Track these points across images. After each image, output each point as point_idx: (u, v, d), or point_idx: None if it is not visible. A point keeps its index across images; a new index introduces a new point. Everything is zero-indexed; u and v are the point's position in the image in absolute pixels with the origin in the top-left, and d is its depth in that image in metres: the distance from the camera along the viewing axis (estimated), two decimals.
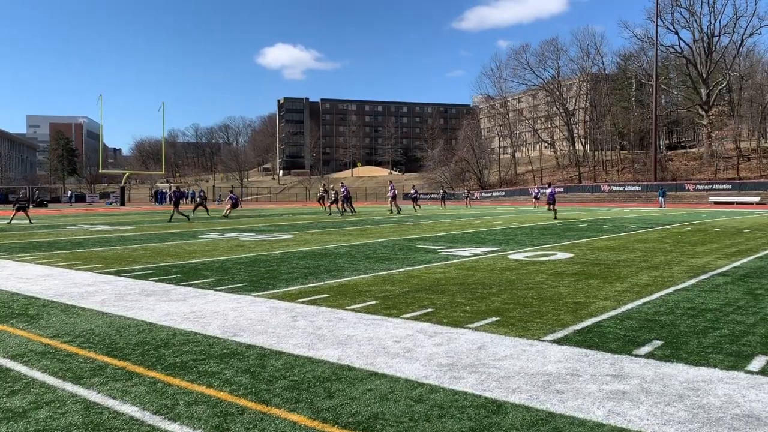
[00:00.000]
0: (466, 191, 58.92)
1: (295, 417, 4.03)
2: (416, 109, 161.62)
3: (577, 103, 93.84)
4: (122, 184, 69.07)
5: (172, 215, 29.38)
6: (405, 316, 7.04)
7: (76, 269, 11.34)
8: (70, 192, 79.01)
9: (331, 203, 35.69)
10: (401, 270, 10.88)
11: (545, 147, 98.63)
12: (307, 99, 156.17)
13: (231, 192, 37.59)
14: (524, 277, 9.98)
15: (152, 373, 4.97)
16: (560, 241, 16.65)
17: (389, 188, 36.66)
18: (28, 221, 28.64)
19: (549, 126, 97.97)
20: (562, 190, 63.23)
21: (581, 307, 7.44)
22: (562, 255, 13.06)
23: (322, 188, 40.97)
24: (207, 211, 34.99)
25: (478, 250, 14.15)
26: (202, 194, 38.04)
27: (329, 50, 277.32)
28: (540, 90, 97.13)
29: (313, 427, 3.86)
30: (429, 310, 7.36)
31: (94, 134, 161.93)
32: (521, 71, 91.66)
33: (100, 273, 10.81)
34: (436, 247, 14.91)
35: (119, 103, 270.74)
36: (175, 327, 6.62)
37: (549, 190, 27.23)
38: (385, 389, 4.56)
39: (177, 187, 32.26)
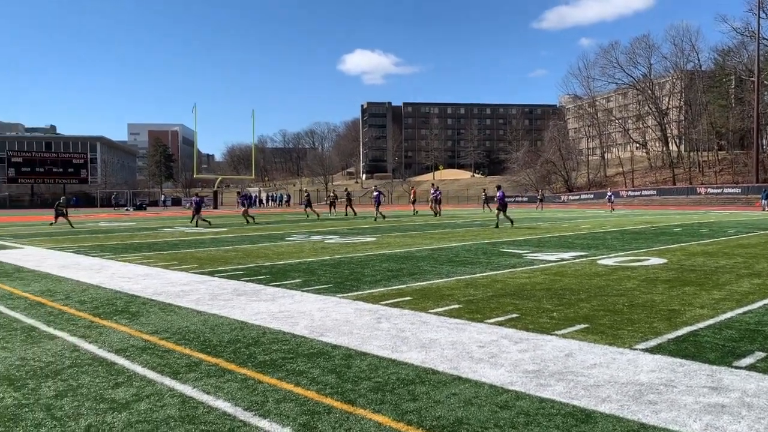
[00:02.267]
0: (539, 194, 56.74)
1: (380, 418, 4.08)
2: (500, 110, 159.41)
3: (671, 102, 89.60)
4: (215, 189, 72.04)
5: (194, 219, 28.82)
6: (489, 321, 6.97)
7: (172, 269, 11.94)
8: (164, 196, 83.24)
9: (347, 206, 37.31)
10: (485, 274, 10.76)
11: (636, 148, 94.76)
12: (389, 103, 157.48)
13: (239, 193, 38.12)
14: (614, 283, 9.63)
15: (244, 371, 5.17)
16: (653, 245, 15.95)
17: (432, 191, 36.13)
18: (50, 224, 29.30)
19: (640, 126, 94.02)
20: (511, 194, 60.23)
21: (676, 315, 7.10)
22: (655, 260, 12.51)
23: (332, 194, 41.71)
24: (316, 213, 36.52)
25: (566, 255, 13.78)
26: (307, 196, 39.07)
27: (407, 54, 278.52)
28: (631, 89, 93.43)
29: (397, 429, 3.89)
30: (514, 315, 7.25)
31: (189, 141, 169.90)
32: (610, 70, 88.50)
33: (195, 273, 11.33)
34: (520, 252, 14.65)
35: (212, 111, 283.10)
36: (265, 326, 6.84)
37: (498, 193, 24.67)
38: (469, 394, 4.53)
39: (196, 194, 32.94)
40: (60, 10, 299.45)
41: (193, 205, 29.84)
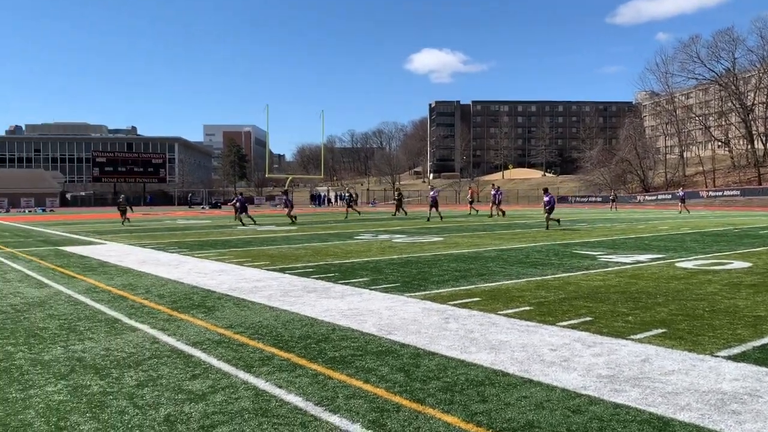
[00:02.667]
0: (612, 194, 54.56)
1: (449, 418, 4.06)
2: (572, 108, 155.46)
3: (757, 98, 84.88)
4: (285, 188, 73.68)
5: (236, 218, 29.28)
6: (561, 323, 6.81)
7: (246, 266, 12.29)
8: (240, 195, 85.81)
9: (397, 206, 36.65)
10: (556, 276, 10.53)
11: (718, 146, 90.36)
12: (458, 102, 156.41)
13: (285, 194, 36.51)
14: (694, 286, 9.22)
15: (314, 366, 5.26)
16: (736, 248, 15.17)
17: (431, 192, 34.17)
18: (121, 223, 29.20)
19: (723, 123, 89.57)
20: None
21: (762, 322, 6.73)
22: (738, 264, 11.90)
23: (348, 193, 41.18)
24: (358, 212, 36.47)
25: (642, 257, 13.30)
26: (352, 195, 39.56)
27: (475, 52, 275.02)
28: (712, 84, 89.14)
29: (467, 430, 3.86)
30: (587, 318, 7.06)
31: (261, 141, 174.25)
32: (690, 65, 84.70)
33: (267, 270, 11.62)
34: (594, 253, 14.25)
35: (283, 112, 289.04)
36: (334, 323, 6.94)
37: (546, 197, 23.94)
38: (540, 397, 4.45)
39: (240, 194, 32.37)
40: (141, 18, 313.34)
41: (238, 204, 29.83)
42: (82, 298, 8.78)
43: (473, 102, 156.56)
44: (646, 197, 76.23)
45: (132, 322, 7.08)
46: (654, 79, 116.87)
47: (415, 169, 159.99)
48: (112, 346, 6.02)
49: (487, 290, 9.09)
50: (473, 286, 9.43)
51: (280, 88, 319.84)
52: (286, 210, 30.98)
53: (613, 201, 51.95)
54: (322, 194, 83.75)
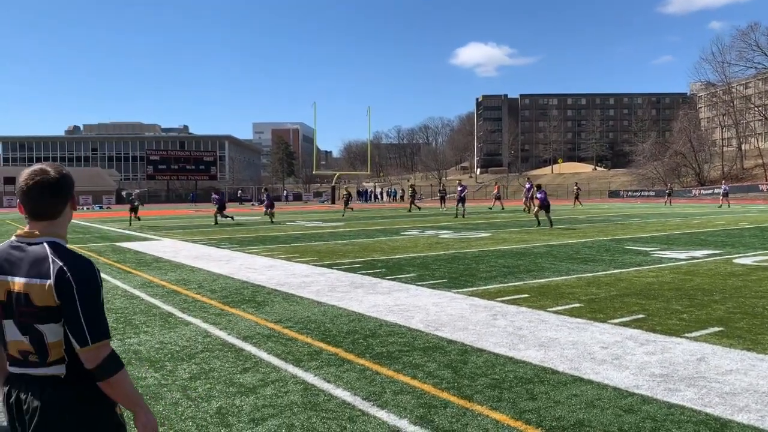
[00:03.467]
0: (668, 188, 52.58)
1: (497, 415, 4.03)
2: (624, 100, 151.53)
3: None
4: (333, 184, 74.22)
5: (215, 217, 26.72)
6: (613, 321, 6.67)
7: (294, 261, 12.45)
8: (286, 191, 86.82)
9: (411, 202, 36.14)
10: (608, 272, 10.31)
11: None
12: (505, 96, 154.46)
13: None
14: (753, 284, 8.89)
15: (362, 361, 5.29)
16: None
17: (459, 188, 32.34)
18: (128, 223, 26.93)
19: None
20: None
21: None
22: None
23: (411, 188, 40.36)
24: (418, 207, 36.26)
25: (697, 253, 12.89)
26: (415, 190, 39.33)
27: (522, 45, 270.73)
28: None
29: (516, 428, 3.83)
30: (640, 316, 6.89)
31: (309, 138, 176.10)
32: (749, 53, 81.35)
33: (315, 265, 11.74)
34: (647, 249, 13.88)
35: (330, 109, 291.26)
36: (381, 318, 6.97)
37: (539, 194, 21.37)
38: (591, 396, 4.37)
39: (216, 190, 28.93)
40: (192, 20, 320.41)
41: (216, 203, 26.84)
42: (137, 292, 9.06)
43: (521, 95, 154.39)
44: (702, 191, 73.76)
45: (185, 316, 7.27)
46: (710, 68, 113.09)
47: (462, 164, 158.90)
48: (166, 339, 6.20)
49: (536, 287, 8.96)
50: (522, 283, 9.32)
51: (327, 86, 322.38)
52: (264, 209, 26.83)
53: (669, 195, 50.13)
54: (369, 190, 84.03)
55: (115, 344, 6.02)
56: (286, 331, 6.46)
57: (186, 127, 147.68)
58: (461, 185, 31.09)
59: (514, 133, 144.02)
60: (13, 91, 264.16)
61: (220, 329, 6.58)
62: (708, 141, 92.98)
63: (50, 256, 1.94)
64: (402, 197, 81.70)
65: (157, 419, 3.97)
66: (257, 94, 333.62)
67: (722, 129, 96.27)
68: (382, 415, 4.08)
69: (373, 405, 4.26)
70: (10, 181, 66.68)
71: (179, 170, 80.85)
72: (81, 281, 1.92)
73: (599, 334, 6.12)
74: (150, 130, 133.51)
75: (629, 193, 78.08)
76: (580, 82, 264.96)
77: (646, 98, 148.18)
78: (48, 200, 1.99)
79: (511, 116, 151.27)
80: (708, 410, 4.05)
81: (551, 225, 20.87)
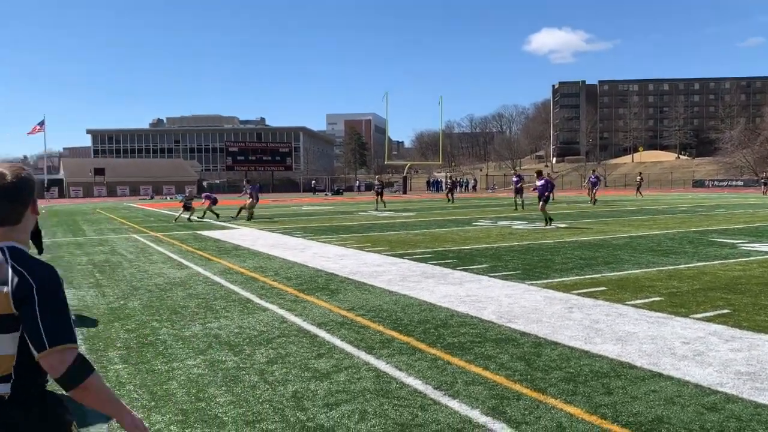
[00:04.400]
0: (764, 177, 48.20)
1: (571, 409, 3.96)
2: (710, 85, 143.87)
3: None
4: (404, 174, 74.36)
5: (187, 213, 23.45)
6: (695, 316, 6.40)
7: (366, 251, 12.59)
8: (358, 182, 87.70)
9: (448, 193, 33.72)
10: (691, 265, 9.88)
11: None
12: (583, 82, 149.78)
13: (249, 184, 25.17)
14: None
15: (433, 351, 5.31)
16: None
17: (514, 179, 30.11)
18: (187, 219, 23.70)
19: None
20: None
21: None
22: None
23: (378, 181, 36.46)
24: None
25: None
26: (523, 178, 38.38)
27: (599, 30, 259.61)
28: None
29: (591, 422, 3.75)
30: (725, 311, 6.58)
31: (381, 129, 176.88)
32: None
33: (387, 255, 11.83)
34: (734, 242, 13.20)
35: (401, 99, 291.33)
36: (453, 309, 6.96)
37: (540, 182, 18.28)
38: (671, 392, 4.22)
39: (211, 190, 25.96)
40: (263, 18, 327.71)
41: (183, 199, 24.33)
42: (217, 279, 9.42)
43: (600, 82, 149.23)
44: None
45: (262, 302, 7.50)
46: None
47: (537, 153, 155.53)
48: (245, 324, 6.42)
49: (614, 279, 8.71)
50: (599, 275, 9.08)
51: (399, 76, 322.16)
52: (248, 201, 23.99)
53: (766, 184, 46.50)
54: (440, 180, 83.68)
55: (196, 328, 6.29)
56: (358, 318, 6.56)
57: (263, 119, 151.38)
58: (517, 175, 29.87)
59: (593, 120, 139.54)
60: (102, 87, 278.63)
61: (296, 315, 6.75)
62: None
63: (9, 261, 1.82)
64: (474, 187, 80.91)
65: (236, 401, 4.14)
66: (331, 86, 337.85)
67: None
68: (454, 404, 4.09)
69: (445, 394, 4.28)
70: (100, 171, 70.49)
71: (256, 161, 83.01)
72: (41, 287, 1.79)
73: (680, 329, 5.89)
74: (229, 122, 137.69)
75: (715, 182, 74.26)
76: (661, 67, 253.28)
77: (735, 82, 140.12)
78: (6, 206, 1.86)
79: (589, 103, 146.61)
80: None
81: (546, 222, 17.68)
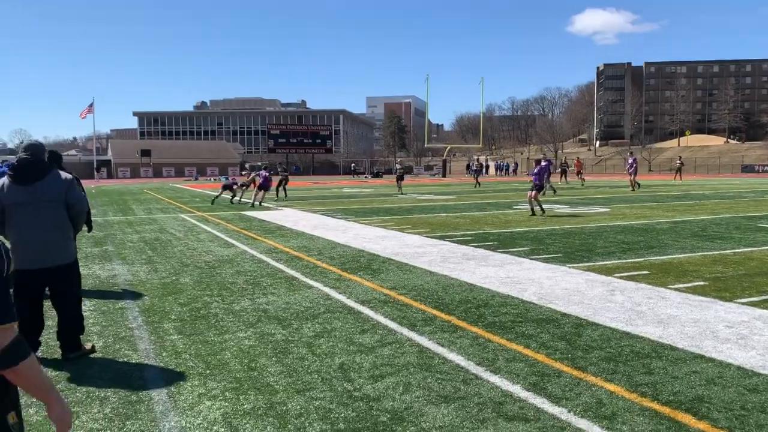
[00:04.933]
0: None
1: (611, 387, 4.05)
2: (763, 66, 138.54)
3: None
4: (444, 157, 74.07)
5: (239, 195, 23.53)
6: (740, 300, 6.36)
7: (406, 233, 12.73)
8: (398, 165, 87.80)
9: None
10: (737, 251, 9.73)
11: None
12: (629, 64, 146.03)
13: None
14: None
15: (474, 329, 5.43)
16: None
17: (629, 161, 29.95)
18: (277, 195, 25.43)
19: None
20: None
21: None
22: None
23: (399, 166, 35.08)
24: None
25: None
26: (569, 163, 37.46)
27: (645, 10, 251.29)
28: None
29: (631, 400, 3.83)
30: None
31: (420, 111, 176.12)
32: None
33: (427, 237, 11.95)
34: None
35: (442, 82, 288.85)
36: (494, 290, 7.05)
37: (536, 168, 17.49)
38: (712, 373, 4.27)
39: (265, 167, 25.83)
40: (306, 2, 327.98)
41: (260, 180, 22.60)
42: (263, 257, 9.69)
43: (646, 63, 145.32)
44: None
45: (307, 280, 7.72)
46: None
47: (580, 137, 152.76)
48: (291, 300, 6.65)
49: (657, 263, 8.66)
50: (641, 259, 9.03)
51: (440, 58, 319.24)
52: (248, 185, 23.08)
53: None
54: (481, 164, 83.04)
55: (246, 303, 6.54)
56: (400, 297, 6.72)
57: (303, 102, 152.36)
58: (546, 160, 28.40)
59: (638, 103, 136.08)
60: (148, 71, 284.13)
61: (340, 293, 6.95)
62: None
63: None
64: (515, 171, 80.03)
65: (286, 371, 4.35)
66: (370, 69, 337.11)
67: None
68: (495, 380, 4.21)
69: (486, 370, 4.40)
70: (147, 153, 72.15)
71: (297, 144, 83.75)
72: None
73: (724, 313, 5.88)
74: (270, 105, 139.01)
75: (766, 167, 71.87)
76: (710, 48, 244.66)
77: None
78: None
79: (634, 85, 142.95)
80: None
81: (533, 212, 16.55)
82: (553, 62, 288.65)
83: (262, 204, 21.70)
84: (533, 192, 16.73)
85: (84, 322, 5.11)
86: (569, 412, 3.67)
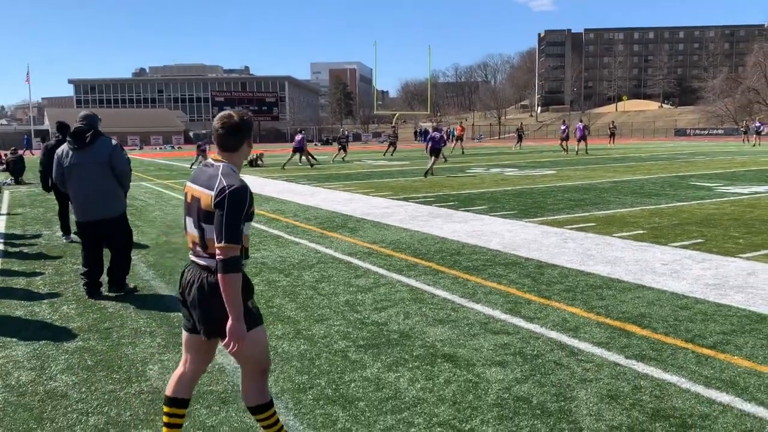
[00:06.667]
0: (757, 125, 45.07)
1: (572, 309, 4.97)
2: (695, 33, 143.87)
3: None
4: (393, 125, 74.74)
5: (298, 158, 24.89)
6: (673, 244, 7.44)
7: (372, 196, 13.50)
8: (348, 132, 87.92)
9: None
10: (670, 205, 10.93)
11: None
12: (569, 30, 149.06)
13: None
14: None
15: (453, 272, 6.29)
16: None
17: (562, 127, 31.64)
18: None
19: None
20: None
21: None
22: None
23: (392, 130, 35.40)
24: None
25: (761, 188, 13.26)
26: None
27: None
28: None
29: (588, 317, 4.76)
30: (698, 240, 7.62)
31: (365, 78, 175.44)
32: None
33: (392, 199, 12.75)
34: (711, 185, 14.29)
35: (385, 48, 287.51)
36: (463, 241, 7.93)
37: (433, 134, 19.01)
38: (652, 297, 5.25)
39: (302, 130, 26.67)
40: None
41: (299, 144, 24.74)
42: None
43: (585, 30, 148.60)
44: None
45: (292, 238, 8.42)
46: None
47: (522, 103, 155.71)
48: (284, 254, 7.36)
49: (602, 217, 9.73)
50: (588, 214, 10.09)
51: (383, 25, 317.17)
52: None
53: (746, 133, 43.30)
54: (428, 130, 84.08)
55: None
56: (382, 249, 7.51)
57: (247, 68, 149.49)
58: (437, 130, 27.64)
59: (578, 69, 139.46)
60: (82, 35, 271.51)
61: (326, 248, 7.69)
62: None
63: (220, 175, 2.52)
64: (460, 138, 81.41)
65: (301, 307, 5.10)
66: (315, 35, 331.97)
67: None
68: (478, 307, 5.08)
69: (469, 301, 5.27)
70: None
71: None
72: (231, 198, 2.44)
73: (660, 254, 6.92)
74: (213, 72, 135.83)
75: (697, 131, 75.57)
76: (644, 13, 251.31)
77: (719, 31, 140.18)
78: (231, 138, 2.61)
79: (574, 52, 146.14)
80: (752, 309, 4.87)
81: (427, 173, 17.99)
82: (494, 29, 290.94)
83: None
84: (433, 158, 18.52)
85: (130, 266, 5.90)
86: (542, 327, 4.57)
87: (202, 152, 24.00)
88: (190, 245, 2.67)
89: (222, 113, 2.66)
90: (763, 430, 3.01)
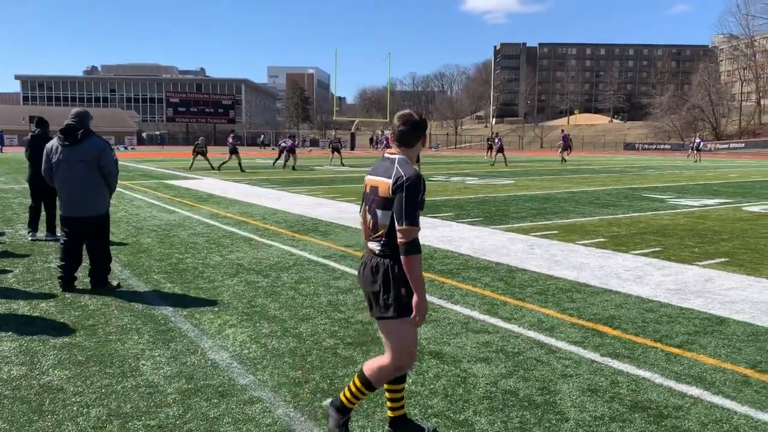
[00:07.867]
0: (696, 142, 46.76)
1: (546, 310, 5.21)
2: (644, 51, 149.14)
3: None
4: (352, 131, 74.82)
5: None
6: (634, 252, 7.81)
7: (338, 200, 13.61)
8: (304, 138, 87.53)
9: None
10: (627, 215, 11.41)
11: None
12: (524, 44, 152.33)
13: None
14: (759, 227, 9.97)
15: (428, 275, 6.47)
16: None
17: (496, 140, 32.90)
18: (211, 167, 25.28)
19: None
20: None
21: None
22: None
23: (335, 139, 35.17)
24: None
25: (710, 201, 13.94)
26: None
27: None
28: None
29: (562, 318, 5.01)
30: (657, 249, 8.02)
31: (323, 83, 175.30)
32: None
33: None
34: (663, 197, 14.93)
35: (343, 55, 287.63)
36: (434, 246, 8.14)
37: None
38: (619, 301, 5.54)
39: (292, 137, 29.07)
40: None
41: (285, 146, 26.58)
42: (210, 221, 10.27)
43: (540, 44, 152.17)
44: (718, 145, 73.85)
45: (264, 240, 8.47)
46: (734, 22, 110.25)
47: (477, 114, 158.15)
48: (259, 256, 7.41)
49: (564, 225, 10.09)
50: (550, 222, 10.45)
51: (341, 31, 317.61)
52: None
53: (697, 150, 42.04)
54: (382, 138, 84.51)
55: (217, 258, 7.23)
56: (357, 253, 7.64)
57: (203, 70, 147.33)
58: (290, 137, 28.91)
59: (532, 82, 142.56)
60: (31, 30, 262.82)
61: (300, 250, 7.78)
62: (727, 95, 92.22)
63: (396, 165, 2.79)
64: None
65: (284, 307, 5.19)
66: (272, 38, 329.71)
67: (742, 83, 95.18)
68: (457, 308, 5.27)
69: (448, 302, 5.45)
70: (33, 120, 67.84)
71: (198, 113, 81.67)
72: (408, 185, 2.70)
73: (622, 261, 7.27)
74: (168, 72, 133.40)
75: (645, 145, 78.23)
76: (593, 32, 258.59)
77: (667, 50, 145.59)
78: (411, 134, 2.87)
79: (529, 65, 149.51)
80: (712, 311, 5.21)
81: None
82: (450, 40, 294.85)
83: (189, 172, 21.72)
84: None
85: (110, 264, 5.91)
86: (519, 326, 4.79)
87: (291, 151, 25.81)
88: (364, 231, 2.97)
89: (402, 112, 2.94)
90: (731, 420, 3.28)
